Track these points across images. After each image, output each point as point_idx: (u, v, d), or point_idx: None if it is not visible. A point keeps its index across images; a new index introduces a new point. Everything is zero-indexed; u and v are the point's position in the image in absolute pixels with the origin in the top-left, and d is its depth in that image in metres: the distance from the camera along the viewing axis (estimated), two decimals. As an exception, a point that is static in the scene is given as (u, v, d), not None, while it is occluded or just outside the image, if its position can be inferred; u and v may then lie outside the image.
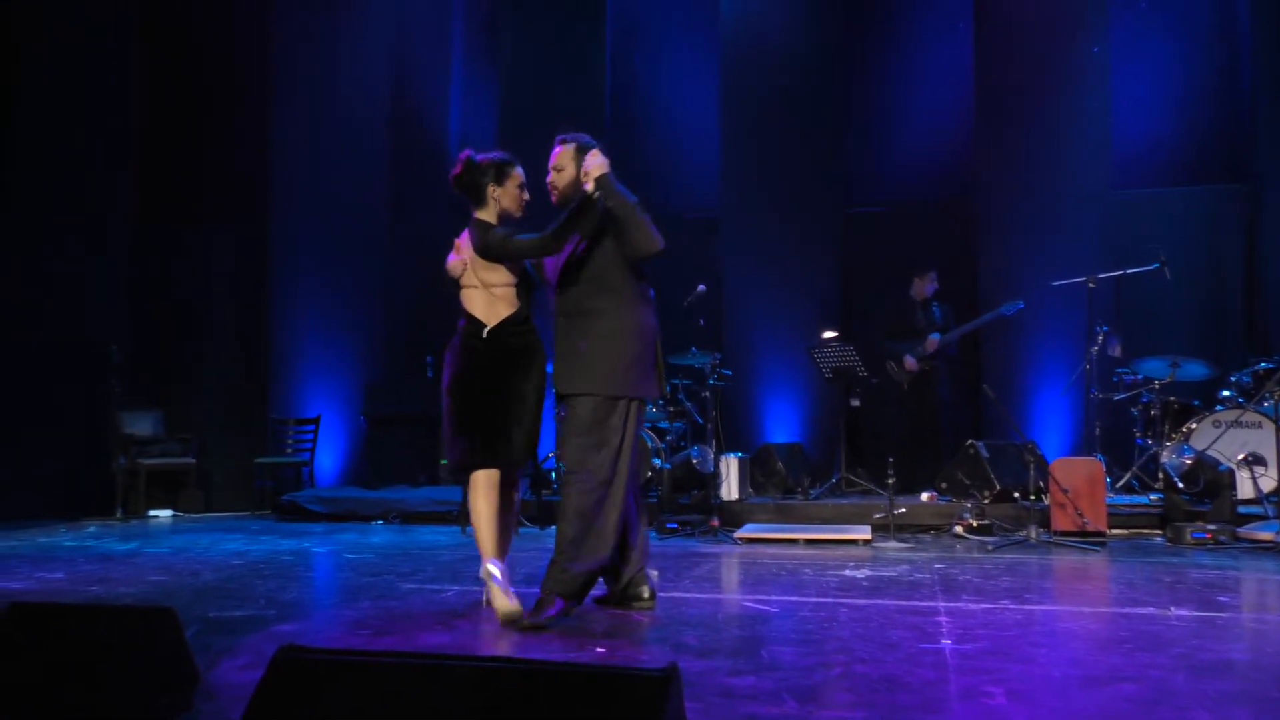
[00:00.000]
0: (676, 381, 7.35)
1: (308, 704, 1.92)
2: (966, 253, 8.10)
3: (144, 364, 8.41)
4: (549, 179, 3.77)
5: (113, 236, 8.32)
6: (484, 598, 3.69)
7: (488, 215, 3.74)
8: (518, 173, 3.79)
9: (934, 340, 7.27)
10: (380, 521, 7.06)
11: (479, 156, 3.79)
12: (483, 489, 3.61)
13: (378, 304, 8.85)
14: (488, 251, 3.65)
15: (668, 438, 7.15)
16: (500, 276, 3.67)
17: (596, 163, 3.57)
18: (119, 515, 7.61)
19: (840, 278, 8.47)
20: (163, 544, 6.00)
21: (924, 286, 7.50)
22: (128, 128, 8.47)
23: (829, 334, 7.36)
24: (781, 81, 8.45)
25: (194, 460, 8.10)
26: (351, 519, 7.18)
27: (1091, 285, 6.70)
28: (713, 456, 6.67)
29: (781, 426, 8.17)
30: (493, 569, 3.50)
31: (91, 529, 6.85)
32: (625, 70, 9.30)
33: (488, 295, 3.68)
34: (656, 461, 6.78)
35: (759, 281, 8.37)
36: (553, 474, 7.37)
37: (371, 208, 8.82)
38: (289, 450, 8.27)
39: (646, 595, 3.69)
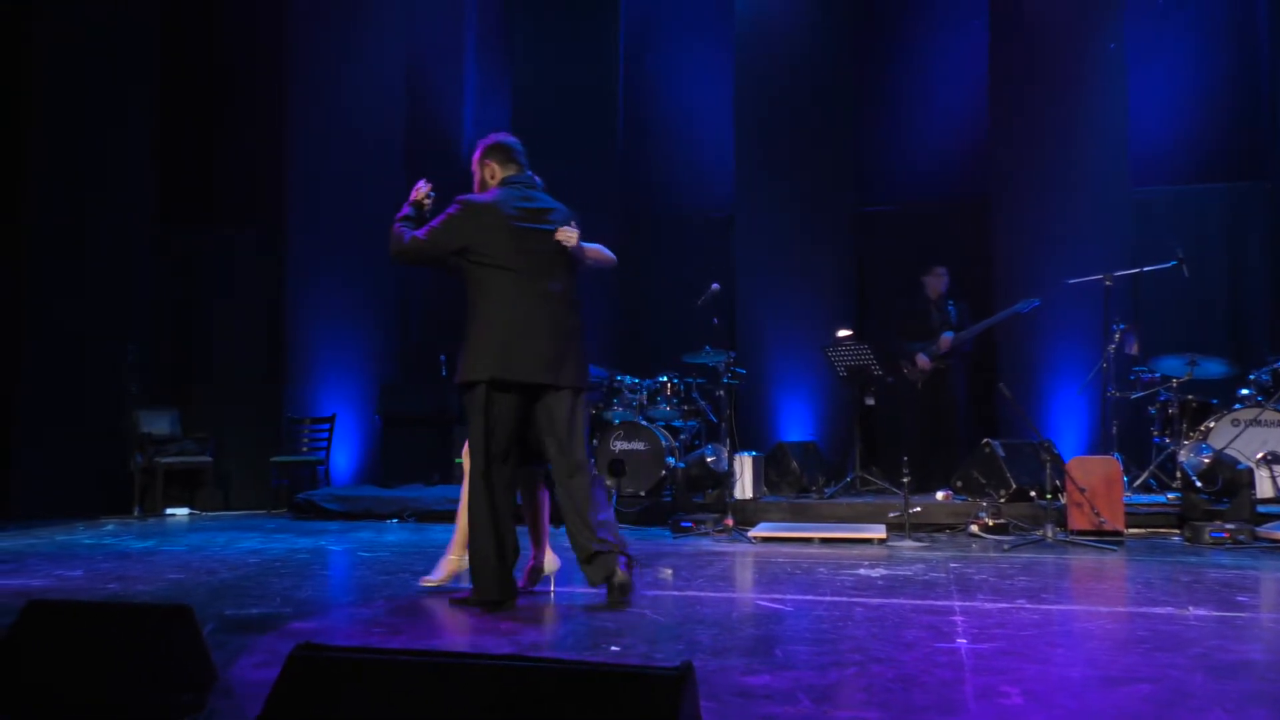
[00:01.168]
0: (691, 380, 7.35)
1: (324, 702, 1.93)
2: (982, 251, 8.07)
3: (162, 363, 8.48)
4: None
5: (131, 236, 8.38)
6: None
7: None
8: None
9: (947, 339, 7.24)
10: (395, 520, 7.09)
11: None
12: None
13: (392, 304, 8.88)
14: None
15: (681, 436, 7.14)
16: None
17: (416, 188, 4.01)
18: (136, 513, 7.66)
19: (855, 276, 8.45)
20: (180, 542, 6.04)
21: (934, 284, 7.48)
22: (147, 129, 8.52)
23: (844, 333, 7.34)
24: (796, 80, 8.44)
25: (211, 459, 8.15)
26: (366, 517, 7.20)
27: (1108, 283, 6.65)
28: (727, 455, 6.66)
29: (796, 425, 8.15)
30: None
31: (109, 527, 6.90)
32: (638, 70, 9.30)
33: None
34: (670, 460, 6.77)
35: (773, 280, 8.36)
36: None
37: (386, 207, 8.75)
38: (304, 449, 8.31)
39: (616, 583, 3.70)
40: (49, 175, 8.09)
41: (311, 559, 5.25)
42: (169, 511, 7.89)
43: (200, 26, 8.93)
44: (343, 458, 8.52)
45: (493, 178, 3.94)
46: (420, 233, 3.83)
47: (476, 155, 4.00)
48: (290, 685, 1.95)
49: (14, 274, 7.93)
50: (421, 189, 4.00)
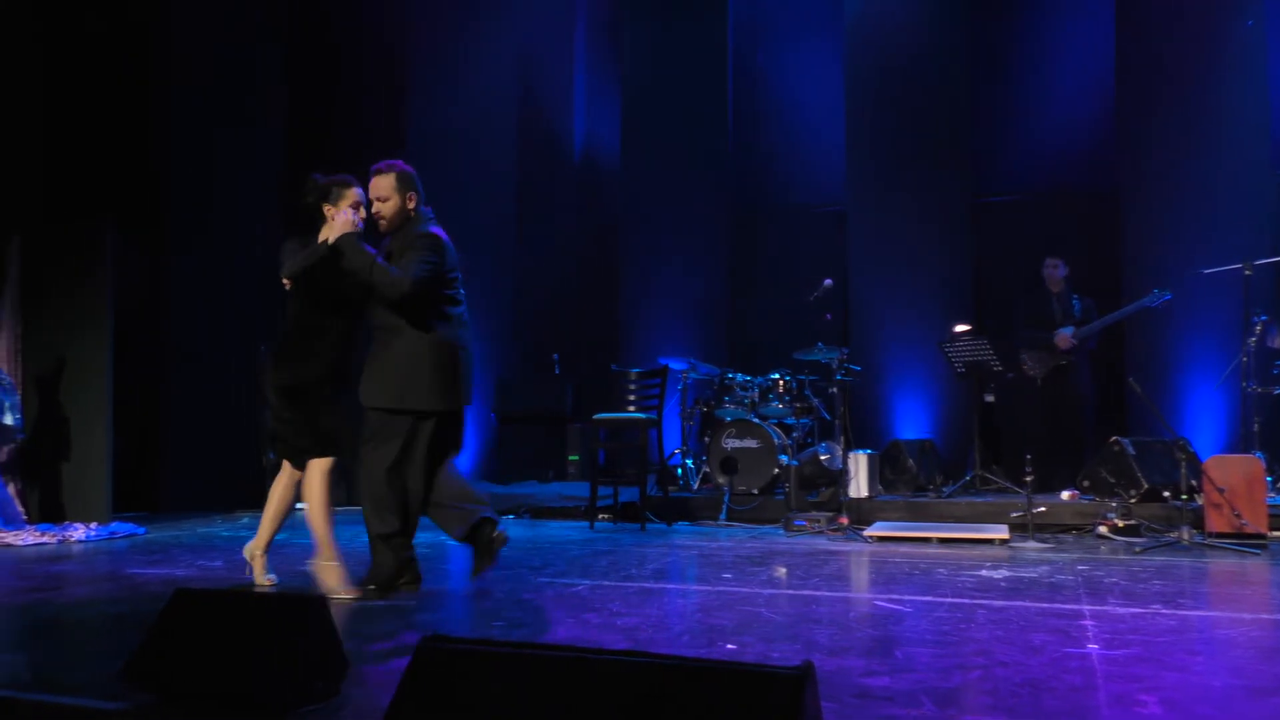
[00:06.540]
0: (803, 378, 7.28)
1: (451, 691, 1.98)
2: (1108, 241, 7.76)
3: (288, 362, 8.81)
4: (374, 209, 4.11)
5: (261, 238, 8.75)
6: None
7: (325, 232, 4.11)
8: (351, 193, 4.18)
9: (1065, 335, 6.97)
10: (511, 516, 7.22)
11: (320, 177, 4.24)
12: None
13: (507, 304, 9.05)
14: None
15: (794, 434, 7.08)
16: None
17: (341, 221, 3.99)
18: (268, 507, 7.99)
19: (972, 269, 8.23)
20: (308, 535, 6.26)
21: (1052, 274, 7.22)
22: (275, 135, 8.87)
23: (961, 327, 7.16)
24: (908, 70, 8.26)
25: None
26: (483, 513, 7.35)
27: (1248, 272, 6.31)
28: (841, 453, 6.58)
29: (911, 422, 7.99)
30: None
31: (244, 520, 7.23)
32: (748, 67, 9.25)
33: None
34: (783, 458, 6.72)
35: (887, 274, 8.21)
36: (678, 470, 7.40)
37: (500, 209, 9.02)
38: (423, 446, 8.52)
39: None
40: (184, 177, 8.49)
41: (432, 553, 5.39)
42: (298, 506, 8.19)
43: (321, 31, 9.22)
44: (460, 455, 8.70)
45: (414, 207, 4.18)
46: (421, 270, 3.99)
47: (394, 179, 4.14)
48: (419, 675, 2.02)
49: (156, 278, 8.38)
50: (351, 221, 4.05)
